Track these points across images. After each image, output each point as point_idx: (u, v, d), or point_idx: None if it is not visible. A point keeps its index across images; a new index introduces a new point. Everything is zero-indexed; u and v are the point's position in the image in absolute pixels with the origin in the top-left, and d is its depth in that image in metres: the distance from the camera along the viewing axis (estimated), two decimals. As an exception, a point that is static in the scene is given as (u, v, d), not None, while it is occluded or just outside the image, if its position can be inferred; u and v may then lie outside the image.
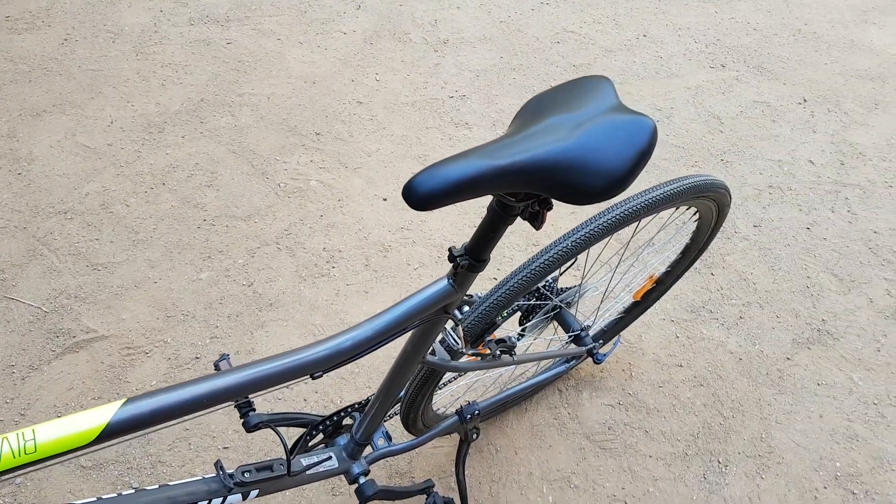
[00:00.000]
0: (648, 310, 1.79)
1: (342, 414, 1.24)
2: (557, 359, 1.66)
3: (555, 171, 0.74)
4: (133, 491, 0.88)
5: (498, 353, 1.11)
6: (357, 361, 1.80)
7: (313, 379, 0.85)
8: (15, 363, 1.67)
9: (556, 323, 1.48)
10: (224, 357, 1.03)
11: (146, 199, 2.08)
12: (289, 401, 1.69)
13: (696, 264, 2.05)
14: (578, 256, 1.30)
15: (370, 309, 1.89)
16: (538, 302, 1.34)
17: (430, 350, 1.05)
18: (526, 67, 2.70)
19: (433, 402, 1.36)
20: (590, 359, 1.72)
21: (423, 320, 0.92)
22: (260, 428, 1.01)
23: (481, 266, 0.88)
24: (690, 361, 1.86)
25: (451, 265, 0.90)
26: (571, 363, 1.59)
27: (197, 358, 1.75)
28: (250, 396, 0.94)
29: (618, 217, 1.16)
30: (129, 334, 1.77)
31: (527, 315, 1.42)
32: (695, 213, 1.40)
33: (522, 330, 1.40)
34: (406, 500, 1.56)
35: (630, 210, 1.17)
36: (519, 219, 0.85)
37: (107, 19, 2.65)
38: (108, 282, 1.86)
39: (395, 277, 1.96)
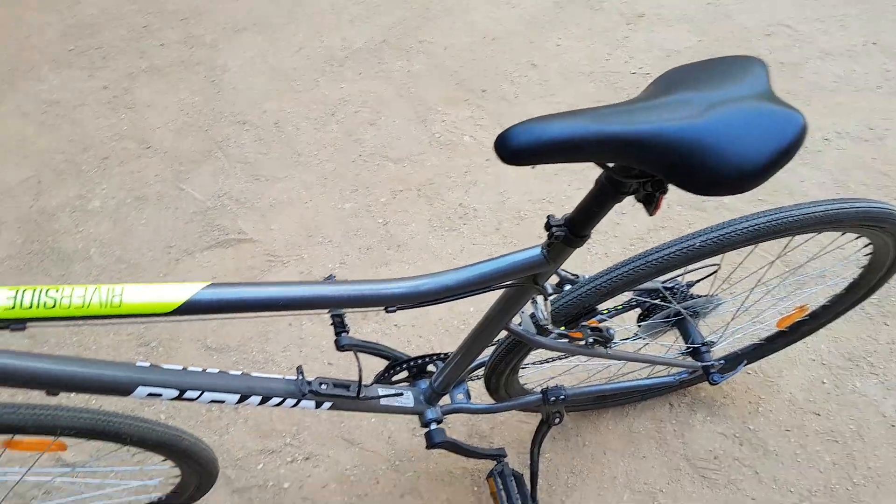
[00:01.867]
0: (795, 343, 1.59)
1: (427, 359, 1.25)
2: (666, 369, 1.53)
3: (673, 149, 0.67)
4: (216, 371, 0.96)
5: (591, 340, 1.05)
6: (468, 320, 1.81)
7: (387, 312, 0.86)
8: (174, 245, 1.88)
9: (678, 332, 1.37)
10: (330, 278, 1.08)
11: (314, 125, 2.21)
12: (391, 338, 1.74)
13: (868, 308, 1.78)
14: (720, 265, 1.18)
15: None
16: (661, 303, 1.24)
17: (516, 320, 1.02)
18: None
19: (520, 375, 1.32)
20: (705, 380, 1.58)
21: (509, 285, 0.89)
22: (347, 349, 1.05)
23: (579, 242, 0.82)
24: (831, 413, 1.63)
25: (546, 234, 0.85)
26: (682, 377, 1.46)
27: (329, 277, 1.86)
28: (325, 313, 0.97)
29: (766, 225, 1.03)
30: (273, 243, 1.92)
31: (646, 314, 1.32)
32: (867, 246, 1.21)
33: (638, 328, 1.31)
34: (475, 462, 1.56)
35: (783, 220, 1.03)
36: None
37: (319, -47, 2.81)
38: (267, 193, 2.02)
39: (521, 246, 1.91)
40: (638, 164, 0.68)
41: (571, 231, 0.81)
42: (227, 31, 2.46)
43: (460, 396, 1.31)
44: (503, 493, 1.34)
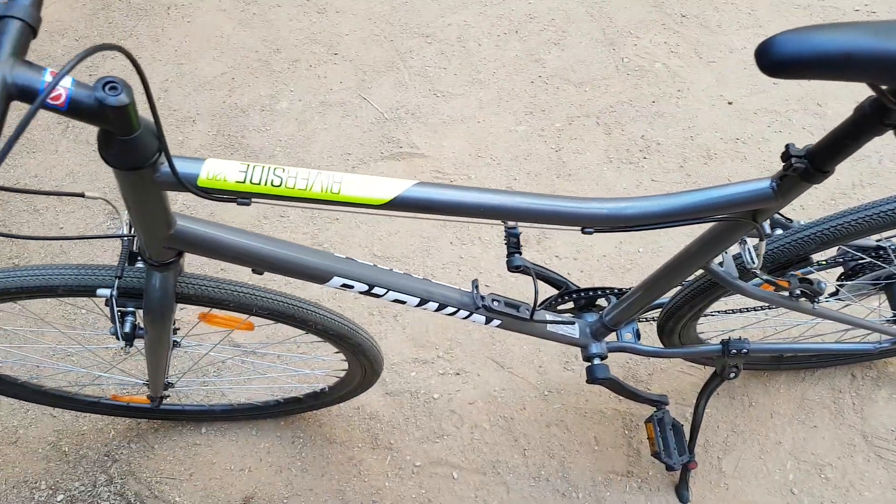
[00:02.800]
0: None
1: (598, 292, 1.21)
2: (863, 335, 1.37)
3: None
4: (402, 273, 0.98)
5: (798, 292, 0.94)
6: (636, 260, 1.72)
7: (583, 233, 0.82)
8: (351, 153, 1.94)
9: (884, 296, 1.20)
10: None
11: (496, 42, 2.15)
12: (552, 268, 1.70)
13: None
14: None
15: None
16: (873, 262, 1.08)
17: (717, 259, 0.93)
18: None
19: (698, 323, 1.24)
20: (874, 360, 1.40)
21: (724, 218, 0.81)
22: (520, 271, 1.02)
23: (819, 178, 0.72)
24: None
25: (781, 165, 0.75)
26: (883, 346, 1.30)
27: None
28: (519, 225, 0.94)
29: None
30: (442, 160, 1.93)
31: (851, 274, 1.17)
32: None
33: (839, 287, 1.17)
34: (627, 405, 1.52)
35: None
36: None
37: None
38: (442, 109, 2.02)
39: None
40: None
41: (813, 164, 0.71)
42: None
43: (628, 336, 1.26)
44: (661, 440, 1.29)
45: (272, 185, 0.69)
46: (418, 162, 1.93)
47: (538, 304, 1.09)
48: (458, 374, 1.61)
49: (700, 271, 0.96)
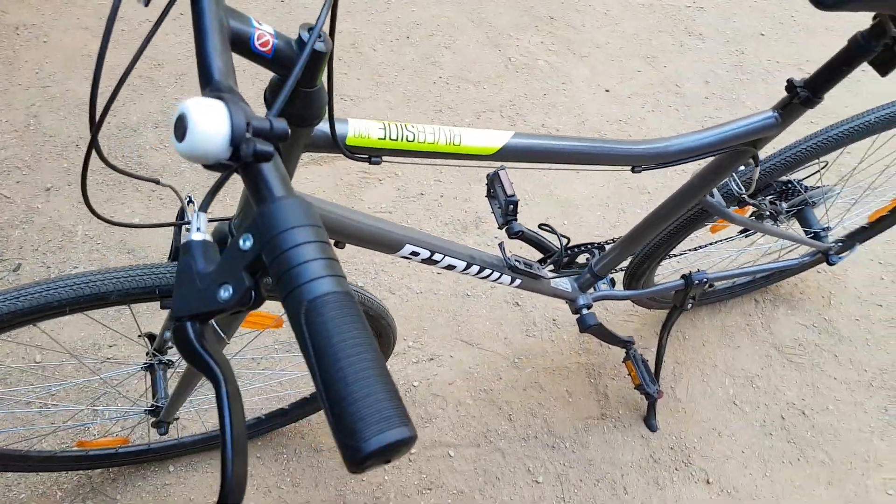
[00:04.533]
0: (865, 243, 1.74)
1: (582, 248, 1.34)
2: (787, 253, 1.67)
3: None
4: (449, 240, 1.03)
5: (767, 213, 1.15)
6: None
7: (634, 172, 0.94)
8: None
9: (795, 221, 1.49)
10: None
11: (391, 48, 2.23)
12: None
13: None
14: (829, 162, 1.30)
15: (572, 189, 1.96)
16: (793, 191, 1.35)
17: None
18: (771, -10, 2.56)
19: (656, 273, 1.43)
20: (792, 276, 1.73)
21: (732, 148, 0.98)
22: (518, 236, 1.11)
23: (815, 103, 0.91)
24: (891, 304, 1.82)
25: (784, 96, 0.93)
26: (804, 260, 1.60)
27: (422, 194, 1.92)
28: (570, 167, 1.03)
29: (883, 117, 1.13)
30: (363, 163, 1.96)
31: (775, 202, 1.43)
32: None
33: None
34: (587, 357, 1.68)
35: None
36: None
37: None
38: (352, 112, 2.05)
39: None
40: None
41: (812, 92, 0.90)
42: (291, -47, 2.43)
43: (604, 286, 1.41)
44: (642, 373, 1.45)
45: (407, 140, 0.71)
46: (342, 164, 1.94)
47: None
48: (431, 359, 1.65)
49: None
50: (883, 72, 0.86)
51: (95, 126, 0.53)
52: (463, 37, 2.30)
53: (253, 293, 0.42)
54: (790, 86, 0.90)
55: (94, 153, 0.56)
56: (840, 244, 1.53)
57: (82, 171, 0.58)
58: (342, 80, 2.12)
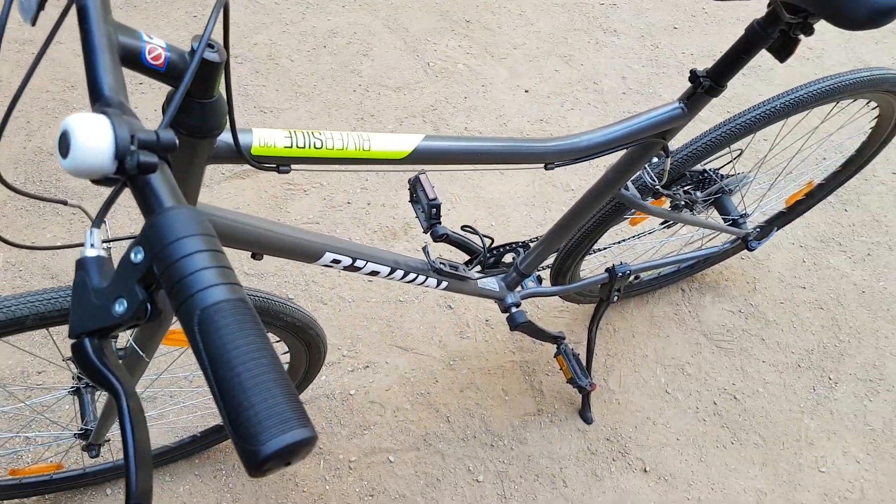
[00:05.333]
0: (784, 228, 1.83)
1: (507, 248, 1.35)
2: (709, 241, 1.73)
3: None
4: (373, 246, 1.02)
5: (682, 203, 1.19)
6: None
7: (546, 169, 0.95)
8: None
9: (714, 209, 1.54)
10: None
11: (308, 57, 2.20)
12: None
13: (830, 198, 2.05)
14: (743, 150, 1.35)
15: (498, 189, 1.99)
16: (708, 180, 1.40)
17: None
18: (677, -12, 2.67)
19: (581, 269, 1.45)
20: (716, 264, 1.80)
21: (642, 141, 1.00)
22: (443, 239, 1.12)
23: (719, 91, 0.95)
24: (814, 286, 1.90)
25: (689, 87, 0.96)
26: (725, 247, 1.66)
27: (349, 203, 1.89)
28: (490, 167, 1.03)
29: (793, 99, 1.18)
30: (290, 173, 1.92)
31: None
32: (874, 109, 1.40)
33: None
34: (521, 356, 1.69)
35: (808, 93, 1.18)
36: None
37: None
38: (273, 124, 2.00)
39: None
40: (808, 2, 0.80)
41: (714, 81, 0.93)
42: (197, -36, 2.36)
43: (531, 284, 1.42)
44: (574, 367, 1.48)
45: (314, 147, 0.70)
46: (265, 177, 1.90)
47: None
48: (367, 367, 1.63)
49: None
50: (780, 58, 0.90)
51: None
52: (380, 44, 2.29)
53: (148, 306, 0.41)
54: (693, 76, 0.94)
55: None
56: (758, 230, 1.60)
57: None
58: (261, 92, 2.07)
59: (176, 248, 0.39)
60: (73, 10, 0.52)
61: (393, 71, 2.23)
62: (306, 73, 2.15)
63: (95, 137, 0.40)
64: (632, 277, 1.40)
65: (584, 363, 1.57)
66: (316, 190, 1.91)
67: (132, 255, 0.41)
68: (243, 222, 0.78)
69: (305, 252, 0.86)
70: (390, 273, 1.03)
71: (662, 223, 1.57)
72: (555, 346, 1.54)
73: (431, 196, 1.04)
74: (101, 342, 0.42)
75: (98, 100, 0.46)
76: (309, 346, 1.15)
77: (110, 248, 0.48)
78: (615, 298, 1.48)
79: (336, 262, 0.91)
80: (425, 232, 1.07)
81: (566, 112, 2.22)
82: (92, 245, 0.44)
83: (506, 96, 2.24)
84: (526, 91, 2.26)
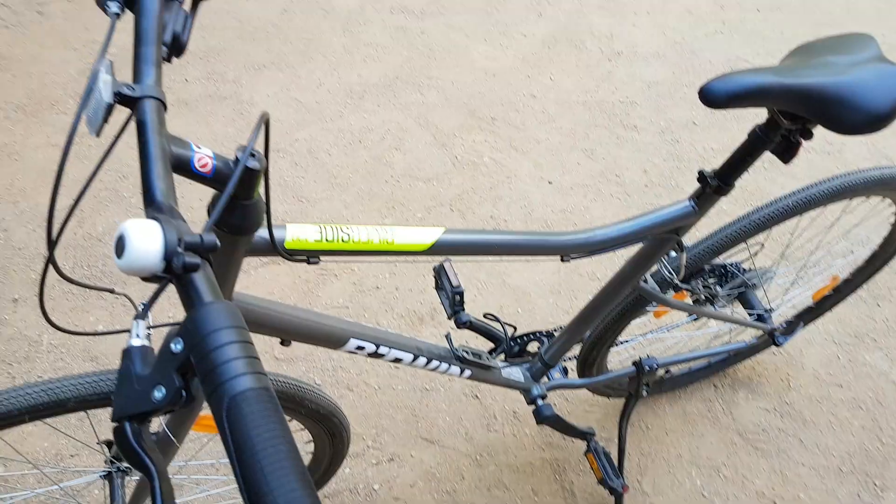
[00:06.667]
0: (817, 320, 1.80)
1: (531, 337, 1.36)
2: (737, 336, 1.71)
3: (831, 98, 0.84)
4: (395, 332, 1.04)
5: (703, 297, 1.20)
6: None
7: (563, 261, 0.98)
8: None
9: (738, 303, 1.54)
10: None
11: (345, 151, 2.32)
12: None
13: (861, 293, 2.03)
14: (763, 244, 1.36)
15: (523, 277, 2.01)
16: (730, 274, 1.41)
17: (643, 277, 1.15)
18: (697, 86, 2.76)
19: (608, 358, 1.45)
20: (747, 359, 1.77)
21: (653, 237, 1.03)
22: (466, 326, 1.14)
23: (727, 190, 0.98)
24: (850, 384, 1.84)
25: (697, 186, 1.00)
26: (752, 342, 1.64)
27: (377, 288, 1.94)
28: (503, 259, 1.06)
29: (813, 195, 1.20)
30: (326, 260, 1.99)
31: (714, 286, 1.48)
32: (893, 209, 1.42)
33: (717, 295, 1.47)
34: (551, 453, 1.66)
35: (827, 189, 1.20)
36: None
37: (320, -1, 2.98)
38: (310, 213, 2.10)
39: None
40: (803, 111, 0.85)
41: (722, 181, 0.97)
42: (248, 69, 2.55)
43: (557, 375, 1.42)
44: (605, 467, 1.44)
45: (342, 240, 0.74)
46: (298, 264, 1.97)
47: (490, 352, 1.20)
48: (391, 459, 1.61)
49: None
50: (784, 160, 0.94)
51: (52, 242, 0.57)
52: (412, 139, 2.41)
53: (183, 392, 0.45)
54: (701, 176, 0.97)
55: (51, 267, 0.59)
56: (785, 325, 1.58)
57: (40, 285, 0.62)
58: (299, 183, 2.18)
59: (211, 339, 0.43)
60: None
61: (423, 163, 2.33)
62: (342, 165, 2.27)
63: (147, 241, 0.45)
64: (661, 372, 1.39)
65: (615, 462, 1.52)
66: (347, 275, 1.97)
67: (172, 346, 0.45)
68: (273, 310, 0.82)
69: (330, 338, 0.89)
70: (413, 360, 1.05)
71: (689, 316, 1.56)
72: (584, 442, 1.50)
73: (455, 283, 1.07)
74: (139, 426, 0.45)
75: (151, 204, 0.51)
76: (332, 435, 1.16)
77: (150, 334, 0.52)
78: (644, 393, 1.46)
79: (360, 348, 0.94)
80: (449, 318, 1.09)
81: (589, 203, 2.28)
82: (137, 335, 0.48)
83: (530, 187, 2.31)
84: (550, 182, 2.33)
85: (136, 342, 0.48)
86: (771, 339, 1.53)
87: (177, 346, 0.44)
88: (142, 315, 0.49)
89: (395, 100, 2.55)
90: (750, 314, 1.49)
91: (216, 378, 0.42)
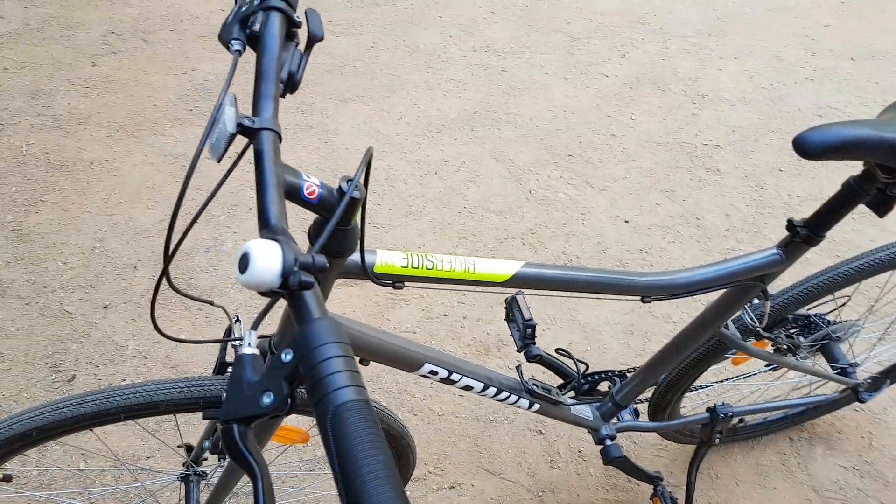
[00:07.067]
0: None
1: (603, 375, 1.35)
2: (817, 388, 1.64)
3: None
4: (466, 360, 1.06)
5: (785, 347, 1.16)
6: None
7: (643, 302, 0.98)
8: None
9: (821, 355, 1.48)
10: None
11: (420, 181, 2.38)
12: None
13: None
14: (850, 296, 1.31)
15: (594, 314, 1.99)
16: (813, 324, 1.36)
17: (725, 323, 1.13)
18: (785, 132, 2.70)
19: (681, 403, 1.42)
20: (827, 413, 1.68)
21: (741, 282, 1.01)
22: (537, 360, 1.14)
23: (817, 241, 0.96)
24: (941, 449, 1.72)
25: (786, 234, 0.98)
26: (834, 396, 1.56)
27: (445, 315, 1.97)
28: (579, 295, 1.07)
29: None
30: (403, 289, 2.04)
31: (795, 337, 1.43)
32: None
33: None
34: (615, 494, 1.62)
35: None
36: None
37: (407, 36, 3.09)
38: (384, 238, 2.16)
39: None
40: (902, 164, 0.83)
41: (812, 231, 0.94)
42: (334, 101, 2.68)
43: (628, 416, 1.40)
44: (669, 512, 1.40)
45: (426, 268, 0.78)
46: (372, 287, 2.02)
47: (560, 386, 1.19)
48: (452, 487, 1.62)
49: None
50: (880, 213, 0.91)
51: (167, 259, 0.62)
52: (486, 172, 2.45)
53: (289, 400, 0.48)
54: (790, 225, 0.96)
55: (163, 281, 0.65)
56: (870, 381, 1.50)
57: (152, 299, 0.68)
58: (376, 210, 2.25)
59: (319, 352, 0.46)
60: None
61: (496, 196, 2.36)
62: (417, 195, 2.33)
63: (269, 260, 0.49)
64: (735, 420, 1.34)
65: (682, 507, 1.48)
66: (416, 301, 2.00)
67: (283, 356, 0.48)
68: (358, 329, 0.86)
69: (407, 361, 0.92)
70: (483, 389, 1.06)
71: (767, 365, 1.51)
72: (651, 486, 1.47)
73: (527, 316, 1.08)
74: (246, 428, 0.49)
75: (265, 226, 0.56)
76: (399, 456, 1.19)
77: (251, 344, 0.56)
78: (717, 441, 1.42)
79: (433, 373, 0.96)
80: (519, 351, 1.10)
81: (667, 244, 2.24)
82: (249, 344, 0.53)
83: (605, 225, 2.29)
84: (626, 221, 2.31)
85: (248, 350, 0.52)
86: (854, 394, 1.45)
87: (287, 357, 0.48)
88: (254, 326, 0.54)
89: (472, 134, 2.61)
90: (833, 367, 1.43)
91: (323, 388, 0.45)
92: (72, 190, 2.18)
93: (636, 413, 1.40)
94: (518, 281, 0.85)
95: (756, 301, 1.17)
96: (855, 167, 0.94)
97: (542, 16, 3.34)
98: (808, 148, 0.79)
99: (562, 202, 2.37)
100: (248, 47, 0.71)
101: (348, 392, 0.45)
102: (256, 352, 0.53)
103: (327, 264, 0.51)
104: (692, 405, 1.67)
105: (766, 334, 1.13)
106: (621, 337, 1.95)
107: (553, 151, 2.57)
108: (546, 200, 2.37)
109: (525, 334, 1.11)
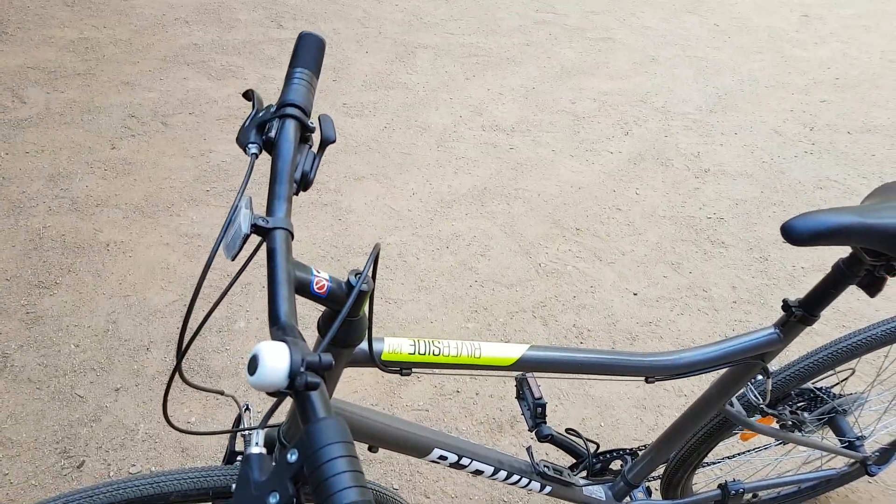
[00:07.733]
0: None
1: (614, 454, 1.35)
2: (828, 462, 1.61)
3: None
4: (476, 443, 1.08)
5: (790, 423, 1.17)
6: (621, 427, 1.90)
7: (647, 383, 1.00)
8: (323, 360, 2.02)
9: (829, 428, 1.47)
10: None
11: (432, 256, 2.44)
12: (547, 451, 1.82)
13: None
14: (854, 369, 1.32)
15: (607, 389, 2.00)
16: (818, 399, 1.36)
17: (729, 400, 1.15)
18: (787, 204, 2.76)
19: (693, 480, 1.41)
20: (839, 487, 1.65)
21: (741, 361, 1.04)
22: (548, 440, 1.16)
23: (812, 320, 0.99)
24: (964, 525, 1.68)
25: (782, 314, 1.01)
26: (843, 470, 1.54)
27: (458, 392, 1.98)
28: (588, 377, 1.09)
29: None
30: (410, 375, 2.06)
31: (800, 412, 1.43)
32: None
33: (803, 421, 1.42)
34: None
35: None
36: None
37: (418, 117, 3.24)
38: (396, 314, 2.20)
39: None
40: (887, 249, 0.87)
41: (807, 310, 0.98)
42: (348, 179, 2.78)
43: (640, 495, 1.39)
44: None
45: (433, 354, 0.81)
46: (383, 365, 2.04)
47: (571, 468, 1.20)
48: (464, 570, 1.59)
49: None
50: (870, 293, 0.94)
51: (180, 355, 0.64)
52: (497, 246, 2.51)
53: (294, 500, 0.50)
54: (786, 305, 0.99)
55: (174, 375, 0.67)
56: (878, 454, 1.49)
57: (164, 393, 0.69)
58: (388, 285, 2.31)
59: (324, 452, 0.48)
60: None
61: (507, 270, 2.41)
62: (429, 269, 2.38)
63: (277, 362, 0.50)
64: (748, 496, 1.33)
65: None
66: (428, 377, 2.02)
67: (288, 456, 0.50)
68: (366, 417, 0.88)
69: (416, 447, 0.94)
70: (494, 473, 1.08)
71: (777, 439, 1.50)
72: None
73: (537, 395, 1.10)
74: None
75: (275, 323, 0.58)
76: None
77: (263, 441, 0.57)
78: (730, 519, 1.40)
79: (443, 458, 0.98)
80: (530, 430, 1.12)
81: (675, 317, 2.26)
82: (257, 444, 0.55)
83: (614, 298, 2.32)
84: (634, 294, 2.35)
85: (256, 450, 0.55)
86: (864, 467, 1.44)
87: (292, 457, 0.50)
88: (262, 425, 0.56)
89: (482, 209, 2.69)
90: (841, 441, 1.42)
91: (327, 489, 0.47)
92: (87, 271, 2.25)
93: (648, 491, 1.39)
94: (523, 364, 0.88)
95: (759, 378, 1.19)
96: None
97: (547, 97, 3.49)
98: (796, 235, 0.84)
99: (571, 275, 2.41)
100: (263, 150, 0.76)
101: (352, 493, 0.46)
102: (263, 451, 0.55)
103: (333, 363, 0.54)
104: (705, 481, 1.65)
105: (770, 411, 1.14)
106: (634, 412, 1.95)
107: (561, 225, 2.64)
108: (556, 273, 2.41)
109: (535, 413, 1.13)
